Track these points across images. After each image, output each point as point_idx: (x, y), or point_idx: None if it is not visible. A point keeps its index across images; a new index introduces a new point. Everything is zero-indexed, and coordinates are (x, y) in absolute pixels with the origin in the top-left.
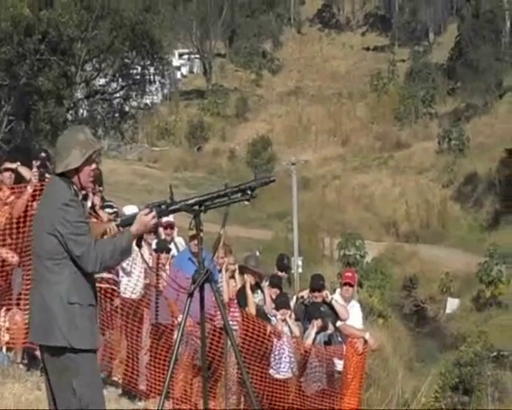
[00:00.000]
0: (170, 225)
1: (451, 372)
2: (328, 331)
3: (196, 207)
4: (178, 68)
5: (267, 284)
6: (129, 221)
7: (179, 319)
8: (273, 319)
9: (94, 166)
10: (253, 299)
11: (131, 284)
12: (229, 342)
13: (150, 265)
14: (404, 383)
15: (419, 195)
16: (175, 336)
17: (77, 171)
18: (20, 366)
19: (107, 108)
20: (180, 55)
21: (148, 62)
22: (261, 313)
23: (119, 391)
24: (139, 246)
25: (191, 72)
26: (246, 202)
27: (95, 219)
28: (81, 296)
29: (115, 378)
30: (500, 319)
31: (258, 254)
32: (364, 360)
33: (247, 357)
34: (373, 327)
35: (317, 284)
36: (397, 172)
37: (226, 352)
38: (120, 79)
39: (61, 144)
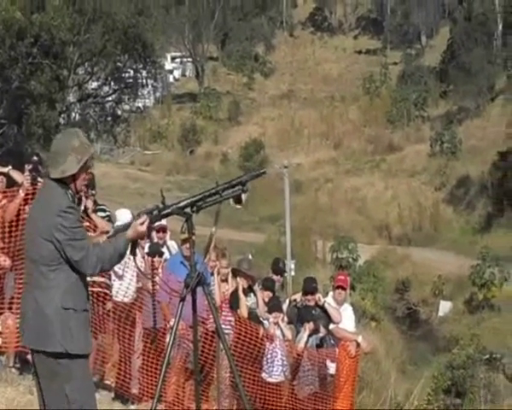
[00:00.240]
0: (162, 229)
1: (444, 375)
2: (320, 334)
3: (188, 210)
4: (171, 72)
5: (260, 287)
6: (120, 233)
7: (171, 323)
8: (266, 322)
9: (88, 170)
10: (246, 302)
11: (123, 287)
12: (221, 346)
13: (143, 268)
14: (397, 385)
15: (411, 198)
16: (167, 340)
17: (73, 177)
18: (13, 369)
19: (99, 112)
20: (172, 59)
21: (141, 66)
22: (253, 317)
23: (112, 395)
24: (134, 254)
25: (183, 75)
26: (238, 206)
27: (87, 223)
28: (75, 302)
29: (108, 382)
30: (492, 322)
31: (250, 257)
32: (357, 363)
33: (240, 360)
34: (365, 330)
35: (309, 287)
36: (389, 175)
37: (218, 355)
38: (113, 83)
39: (56, 149)
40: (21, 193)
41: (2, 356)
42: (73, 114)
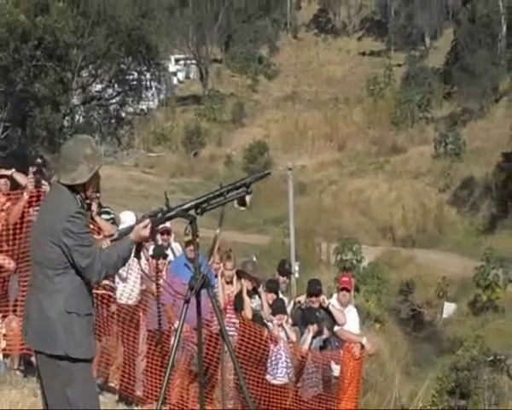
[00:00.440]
0: (166, 231)
1: (448, 377)
2: (324, 336)
3: (192, 212)
4: (175, 74)
5: (263, 289)
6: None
7: (176, 325)
8: (270, 324)
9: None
10: (250, 304)
11: (127, 290)
12: (225, 348)
13: (147, 271)
14: (401, 387)
15: (415, 199)
16: (171, 342)
17: (83, 184)
18: (17, 372)
19: (103, 114)
20: (176, 61)
21: (145, 68)
22: (258, 319)
23: (116, 397)
24: (139, 258)
25: (187, 77)
26: (242, 208)
27: (91, 226)
28: (79, 306)
29: (112, 384)
30: (497, 324)
31: (254, 259)
32: (361, 365)
33: (244, 362)
34: (370, 332)
35: (314, 289)
36: (393, 177)
37: (222, 357)
38: (117, 85)
39: (67, 155)
40: (25, 196)
41: (6, 359)
42: (77, 117)
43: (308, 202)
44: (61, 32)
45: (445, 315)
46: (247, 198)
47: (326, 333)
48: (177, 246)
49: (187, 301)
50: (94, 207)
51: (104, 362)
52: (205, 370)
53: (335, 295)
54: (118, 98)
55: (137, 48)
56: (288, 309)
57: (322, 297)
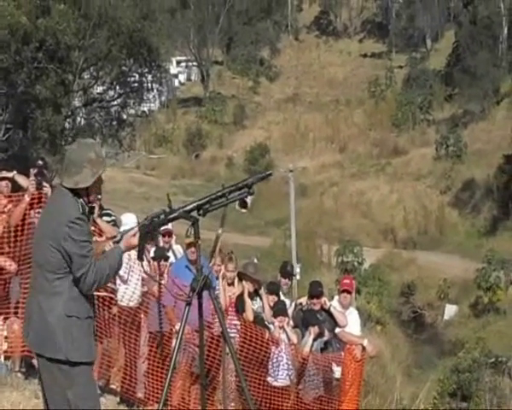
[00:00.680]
0: (168, 233)
1: (449, 379)
2: (325, 338)
3: (195, 214)
4: (176, 76)
5: (265, 291)
6: None
7: (177, 327)
8: (271, 326)
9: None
10: (252, 306)
11: (129, 292)
12: (227, 349)
13: (148, 272)
14: (403, 389)
15: (417, 201)
16: (173, 344)
17: (86, 188)
18: (19, 374)
19: (104, 116)
20: (178, 63)
21: (146, 70)
22: (259, 321)
23: (117, 399)
24: (141, 260)
25: (189, 79)
26: (243, 210)
27: (93, 228)
28: (79, 309)
29: (113, 386)
30: (498, 326)
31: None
32: (362, 367)
33: (246, 364)
34: (371, 334)
35: (315, 291)
36: (394, 179)
37: (224, 359)
38: (118, 87)
39: (72, 159)
40: (27, 198)
41: (8, 361)
42: (79, 119)
43: (309, 204)
44: (62, 34)
45: (446, 317)
46: (249, 200)
47: (327, 335)
48: (178, 248)
49: (189, 303)
50: (95, 209)
51: (105, 364)
52: (206, 372)
53: (336, 297)
54: (119, 100)
55: (139, 50)
56: (290, 311)
57: (324, 299)
